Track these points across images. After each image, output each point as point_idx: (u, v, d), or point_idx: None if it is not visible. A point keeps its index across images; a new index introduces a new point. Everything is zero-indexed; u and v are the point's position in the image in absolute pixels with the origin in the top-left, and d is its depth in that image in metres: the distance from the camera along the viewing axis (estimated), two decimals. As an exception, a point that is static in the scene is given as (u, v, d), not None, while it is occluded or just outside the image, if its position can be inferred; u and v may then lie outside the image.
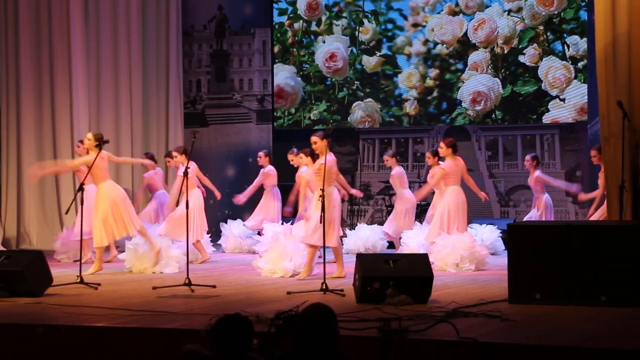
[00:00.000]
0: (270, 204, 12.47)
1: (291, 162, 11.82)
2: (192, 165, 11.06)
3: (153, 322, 6.76)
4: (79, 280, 8.94)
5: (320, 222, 8.78)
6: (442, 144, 10.82)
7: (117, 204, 10.17)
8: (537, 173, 12.02)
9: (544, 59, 13.67)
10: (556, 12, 13.63)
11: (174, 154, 11.42)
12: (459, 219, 10.62)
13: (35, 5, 13.78)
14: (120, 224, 10.20)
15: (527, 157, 12.24)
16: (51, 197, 13.84)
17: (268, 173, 12.48)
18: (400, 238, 11.67)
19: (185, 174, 9.51)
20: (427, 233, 10.90)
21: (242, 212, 13.09)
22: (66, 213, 10.46)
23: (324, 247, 9.07)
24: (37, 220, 13.80)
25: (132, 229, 10.24)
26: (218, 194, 11.85)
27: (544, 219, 11.86)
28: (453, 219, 10.59)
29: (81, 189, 9.53)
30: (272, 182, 12.46)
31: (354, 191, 11.70)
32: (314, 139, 9.57)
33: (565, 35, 13.61)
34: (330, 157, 9.54)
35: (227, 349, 4.28)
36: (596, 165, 11.33)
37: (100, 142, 10.25)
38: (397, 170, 11.95)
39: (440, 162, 11.19)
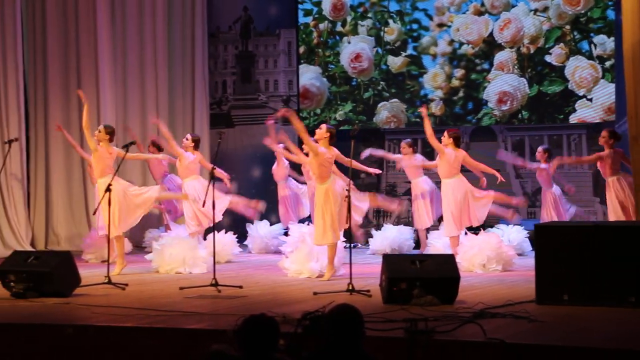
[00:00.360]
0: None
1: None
2: (196, 156, 11.30)
3: (180, 322, 6.80)
4: (106, 280, 9.00)
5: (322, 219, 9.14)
6: (445, 133, 10.89)
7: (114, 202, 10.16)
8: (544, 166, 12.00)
9: (570, 59, 13.60)
10: (583, 12, 13.55)
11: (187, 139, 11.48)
12: (468, 209, 10.65)
13: (62, 9, 13.88)
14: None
15: (540, 148, 12.22)
16: (79, 198, 13.93)
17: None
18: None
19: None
20: (444, 229, 10.93)
21: (269, 213, 13.11)
22: (94, 213, 10.54)
23: (350, 247, 9.06)
24: (65, 220, 13.89)
25: (114, 230, 10.11)
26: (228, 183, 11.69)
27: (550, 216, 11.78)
28: (464, 210, 10.59)
29: (108, 189, 9.58)
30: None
31: (371, 170, 11.68)
32: (322, 126, 9.67)
33: (592, 34, 13.52)
34: (336, 152, 9.60)
35: (253, 349, 4.29)
36: (624, 165, 11.24)
37: (111, 135, 10.46)
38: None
39: (415, 154, 12.07)
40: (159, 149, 12.58)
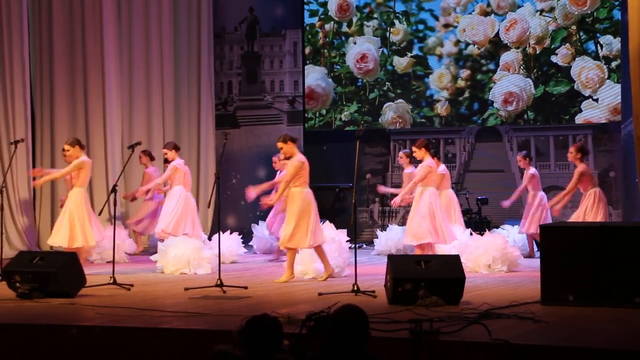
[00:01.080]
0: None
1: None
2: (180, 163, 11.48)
3: (185, 323, 6.81)
4: (112, 281, 9.02)
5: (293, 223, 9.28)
6: (414, 148, 10.63)
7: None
8: (533, 170, 11.91)
9: (576, 59, 13.60)
10: (589, 12, 13.55)
11: (165, 150, 11.74)
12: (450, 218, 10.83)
13: (68, 8, 13.90)
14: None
15: (519, 156, 12.08)
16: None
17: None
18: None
19: None
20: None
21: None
22: (99, 214, 10.56)
23: (355, 247, 9.07)
24: (71, 222, 13.91)
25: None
26: None
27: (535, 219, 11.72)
28: (446, 219, 10.65)
29: (114, 190, 9.61)
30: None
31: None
32: (279, 144, 9.67)
33: (598, 35, 13.52)
34: (301, 157, 9.58)
35: (256, 350, 4.30)
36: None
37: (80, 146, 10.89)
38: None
39: (411, 164, 11.73)
40: (152, 158, 12.74)
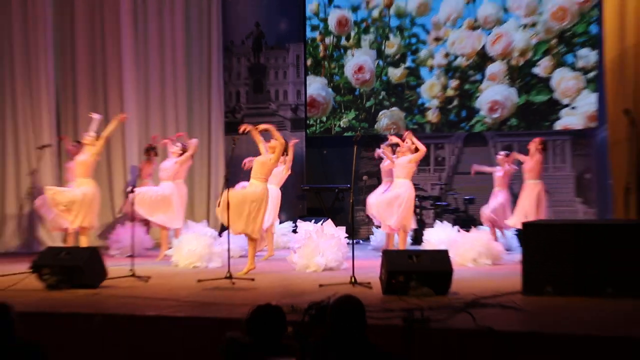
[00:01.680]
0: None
1: None
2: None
3: (198, 311, 6.85)
4: (131, 273, 9.07)
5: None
6: (408, 139, 11.18)
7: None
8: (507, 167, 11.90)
9: (556, 70, 13.63)
10: (568, 27, 13.58)
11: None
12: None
13: (90, 25, 13.93)
14: None
15: (502, 153, 12.11)
16: (104, 198, 13.96)
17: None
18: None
19: None
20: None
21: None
22: (119, 213, 10.61)
23: (352, 242, 9.11)
24: (93, 219, 13.94)
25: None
26: None
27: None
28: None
29: (132, 190, 9.67)
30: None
31: None
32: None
33: (576, 48, 13.55)
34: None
35: (261, 335, 4.33)
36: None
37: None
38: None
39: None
40: (156, 154, 12.66)
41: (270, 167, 9.82)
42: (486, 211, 11.73)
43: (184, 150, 11.82)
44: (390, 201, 10.98)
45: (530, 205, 11.09)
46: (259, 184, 9.70)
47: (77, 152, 11.52)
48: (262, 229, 9.92)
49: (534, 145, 11.32)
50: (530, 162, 11.30)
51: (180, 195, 11.65)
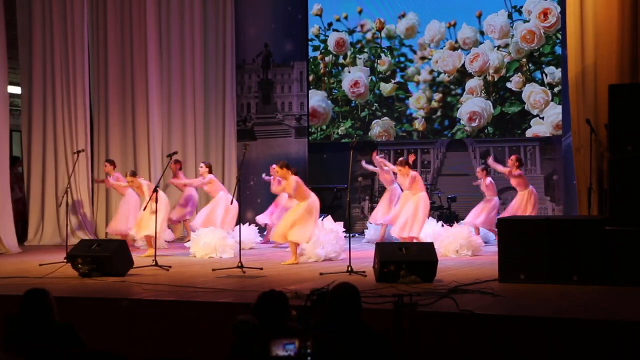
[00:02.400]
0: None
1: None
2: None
3: (213, 297, 6.82)
4: (154, 263, 9.02)
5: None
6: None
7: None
8: (489, 180, 11.61)
9: (526, 85, 13.57)
10: (536, 47, 13.53)
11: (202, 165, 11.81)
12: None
13: (121, 48, 13.87)
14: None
15: (478, 169, 11.87)
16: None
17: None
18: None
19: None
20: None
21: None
22: (143, 210, 10.55)
23: (349, 236, 9.05)
24: (121, 215, 13.89)
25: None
26: None
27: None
28: None
29: (155, 190, 9.63)
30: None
31: None
32: (275, 167, 9.80)
33: (543, 66, 13.50)
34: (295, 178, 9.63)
35: (266, 318, 4.29)
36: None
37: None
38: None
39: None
40: (180, 167, 12.57)
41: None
42: (476, 221, 11.45)
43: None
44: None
45: (525, 212, 10.88)
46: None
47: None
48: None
49: (511, 162, 11.17)
50: (515, 179, 11.10)
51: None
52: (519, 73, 13.63)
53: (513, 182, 11.20)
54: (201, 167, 11.86)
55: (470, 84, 13.92)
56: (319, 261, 9.61)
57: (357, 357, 4.07)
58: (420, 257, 7.66)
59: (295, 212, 9.59)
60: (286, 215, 9.85)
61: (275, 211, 12.02)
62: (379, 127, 14.50)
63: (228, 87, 14.65)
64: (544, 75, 13.46)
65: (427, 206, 11.02)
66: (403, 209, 10.95)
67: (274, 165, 11.56)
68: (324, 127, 14.92)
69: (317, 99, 14.90)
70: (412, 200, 10.92)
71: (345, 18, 14.70)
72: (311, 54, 14.97)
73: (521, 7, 13.58)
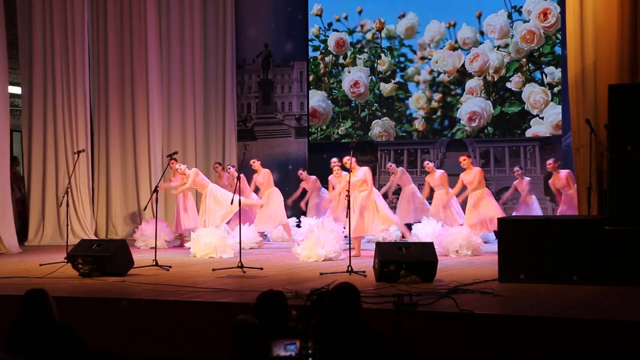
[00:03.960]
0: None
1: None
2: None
3: (213, 297, 6.80)
4: (154, 263, 9.01)
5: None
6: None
7: None
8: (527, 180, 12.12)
9: (526, 85, 13.58)
10: (536, 48, 13.53)
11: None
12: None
13: (120, 49, 13.87)
14: None
15: (517, 169, 12.36)
16: (132, 197, 13.93)
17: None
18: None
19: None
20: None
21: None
22: (144, 210, 10.56)
23: (349, 235, 9.05)
24: (122, 214, 13.90)
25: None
26: None
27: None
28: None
29: (156, 190, 9.61)
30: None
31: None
32: (343, 160, 10.23)
33: (543, 66, 13.50)
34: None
35: (265, 317, 4.28)
36: (570, 169, 11.21)
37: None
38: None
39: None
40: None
41: None
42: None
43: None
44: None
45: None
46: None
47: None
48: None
49: (550, 166, 11.49)
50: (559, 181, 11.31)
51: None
52: (519, 73, 13.63)
53: (558, 183, 11.36)
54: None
55: (470, 84, 13.92)
56: (319, 261, 9.60)
57: (357, 357, 4.05)
58: (420, 257, 7.65)
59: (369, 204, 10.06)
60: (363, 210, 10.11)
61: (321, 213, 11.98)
62: (379, 127, 14.50)
63: (228, 87, 14.65)
64: (543, 75, 13.46)
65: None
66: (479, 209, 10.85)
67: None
68: (324, 127, 14.92)
69: (317, 99, 14.90)
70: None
71: (345, 18, 14.70)
72: (311, 54, 14.96)
73: (521, 7, 13.58)
